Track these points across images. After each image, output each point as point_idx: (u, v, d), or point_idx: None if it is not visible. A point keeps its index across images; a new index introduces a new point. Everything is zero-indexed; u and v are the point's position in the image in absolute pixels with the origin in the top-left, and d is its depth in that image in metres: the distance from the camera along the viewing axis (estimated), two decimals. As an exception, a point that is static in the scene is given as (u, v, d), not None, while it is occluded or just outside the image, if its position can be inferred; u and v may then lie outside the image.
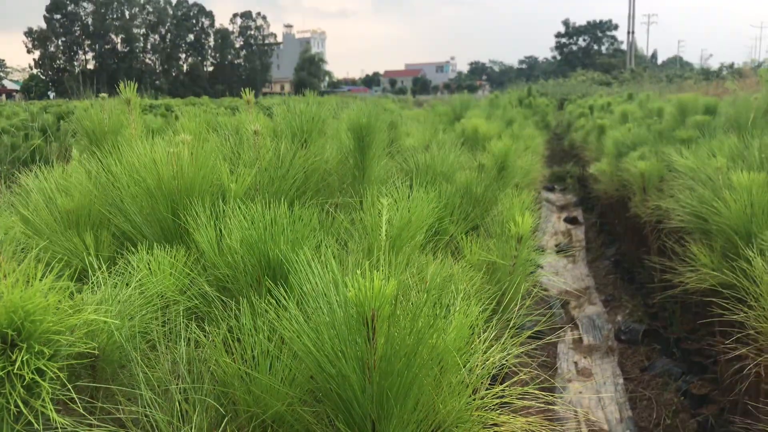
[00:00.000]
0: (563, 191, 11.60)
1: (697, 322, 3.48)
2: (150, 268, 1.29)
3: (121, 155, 1.85)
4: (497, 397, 1.35)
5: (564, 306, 5.51)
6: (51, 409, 0.94)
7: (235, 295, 1.39)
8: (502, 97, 15.71)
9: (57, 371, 0.96)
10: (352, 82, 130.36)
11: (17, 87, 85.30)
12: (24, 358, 0.92)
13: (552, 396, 1.52)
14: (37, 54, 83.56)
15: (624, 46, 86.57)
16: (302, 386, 1.09)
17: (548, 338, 4.22)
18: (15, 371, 0.91)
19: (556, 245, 7.72)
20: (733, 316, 1.90)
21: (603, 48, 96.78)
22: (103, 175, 1.87)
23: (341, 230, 1.74)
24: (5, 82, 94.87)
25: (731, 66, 46.66)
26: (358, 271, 1.01)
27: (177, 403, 1.08)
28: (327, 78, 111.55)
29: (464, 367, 1.28)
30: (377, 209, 1.65)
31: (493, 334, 1.54)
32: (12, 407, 0.91)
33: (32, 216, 1.87)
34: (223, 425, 1.01)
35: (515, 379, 1.41)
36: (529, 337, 4.59)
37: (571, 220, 9.17)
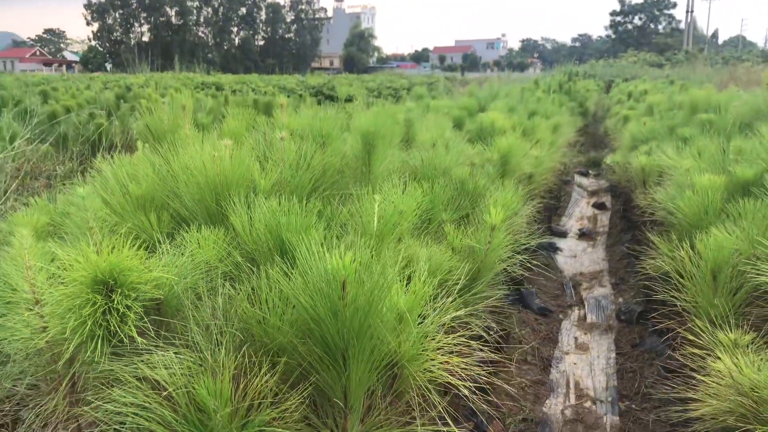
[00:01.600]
0: (597, 176, 11.80)
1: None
2: (199, 243, 1.81)
3: (177, 153, 2.39)
4: (446, 345, 1.84)
5: (576, 287, 5.91)
6: (134, 332, 1.48)
7: (258, 264, 1.90)
8: (543, 80, 15.87)
9: (138, 309, 1.50)
10: (401, 58, 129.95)
11: (77, 58, 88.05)
12: (118, 298, 1.46)
13: (488, 346, 1.99)
14: (95, 26, 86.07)
15: (682, 26, 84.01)
16: (298, 327, 1.60)
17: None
18: (114, 306, 1.44)
19: (580, 230, 8.06)
20: (661, 296, 2.33)
21: (660, 27, 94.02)
22: (164, 168, 2.40)
23: (345, 219, 2.23)
24: (65, 53, 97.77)
25: (793, 48, 44.93)
26: (336, 251, 1.51)
27: (214, 335, 1.60)
28: (376, 53, 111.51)
29: (418, 323, 1.77)
30: (371, 203, 2.14)
31: (453, 300, 2.02)
32: (112, 328, 1.45)
33: (110, 199, 2.42)
34: (243, 348, 1.53)
35: (460, 333, 1.88)
36: (537, 311, 5.01)
37: (600, 206, 9.44)
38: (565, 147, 7.91)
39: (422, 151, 3.17)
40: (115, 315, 1.45)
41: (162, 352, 1.52)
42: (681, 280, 2.37)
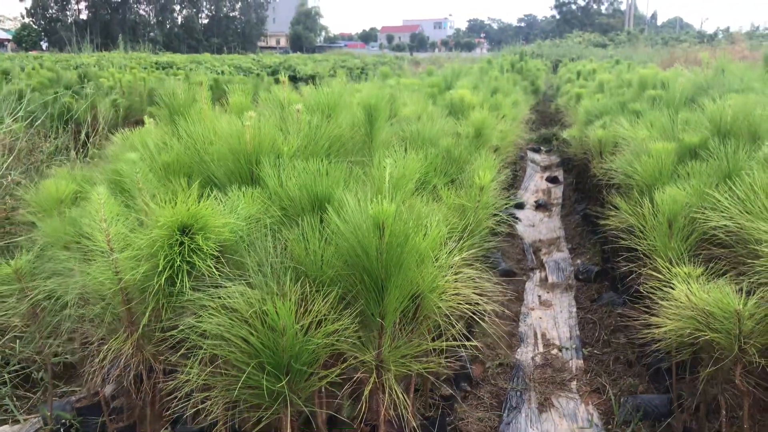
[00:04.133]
0: (548, 152, 12.35)
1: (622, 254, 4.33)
2: (252, 198, 2.11)
3: (201, 125, 2.67)
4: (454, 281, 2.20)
5: (536, 252, 6.38)
6: (212, 267, 1.78)
7: (291, 216, 2.22)
8: (496, 60, 16.35)
9: (215, 248, 1.80)
10: (348, 38, 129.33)
11: (9, 36, 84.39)
12: (201, 240, 1.76)
13: (493, 279, 2.35)
14: (28, 2, 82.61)
15: (624, 7, 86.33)
16: (343, 261, 1.92)
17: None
18: (198, 246, 1.74)
19: (536, 201, 8.55)
20: (624, 242, 2.75)
21: (602, 8, 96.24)
22: (191, 138, 2.67)
23: (358, 179, 2.55)
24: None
25: (727, 30, 47.00)
26: (374, 199, 1.84)
27: (271, 271, 1.91)
28: (323, 33, 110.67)
29: (435, 261, 2.11)
30: (383, 166, 2.46)
31: (455, 246, 2.37)
32: (195, 263, 1.75)
33: (141, 165, 2.67)
34: (301, 279, 1.85)
35: (462, 273, 2.24)
36: (503, 273, 5.42)
37: (553, 180, 9.97)
38: (521, 123, 8.35)
39: (410, 124, 3.50)
40: (199, 253, 1.75)
41: (231, 284, 1.82)
42: (642, 229, 2.78)
